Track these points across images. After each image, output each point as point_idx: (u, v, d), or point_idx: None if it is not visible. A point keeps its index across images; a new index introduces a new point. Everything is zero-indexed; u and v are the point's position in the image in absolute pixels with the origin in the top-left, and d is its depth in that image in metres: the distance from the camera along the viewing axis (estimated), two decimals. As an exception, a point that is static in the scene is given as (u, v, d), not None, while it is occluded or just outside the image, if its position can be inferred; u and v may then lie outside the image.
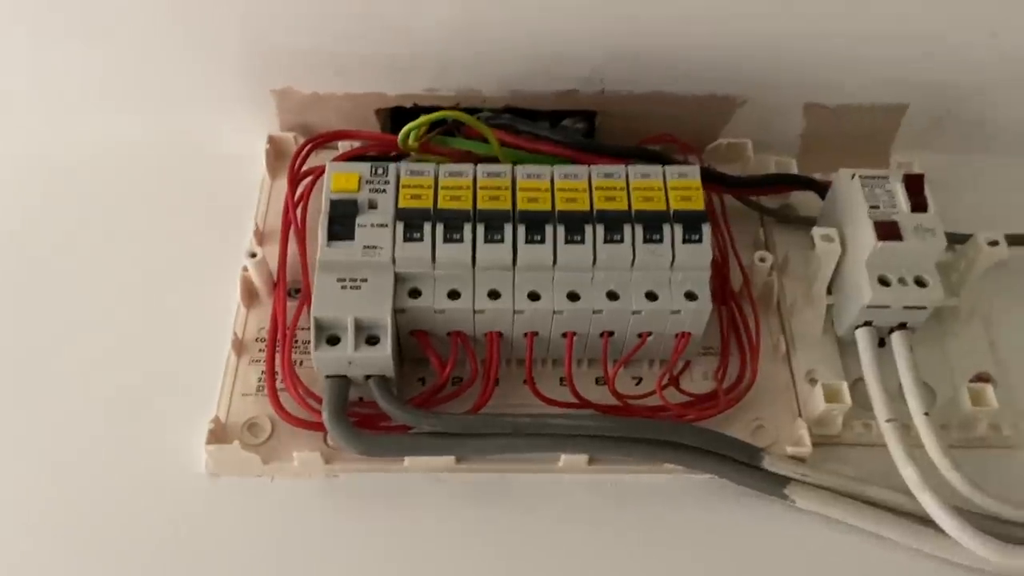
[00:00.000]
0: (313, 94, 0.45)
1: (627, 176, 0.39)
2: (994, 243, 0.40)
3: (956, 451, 0.37)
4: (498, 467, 0.38)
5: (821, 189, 0.44)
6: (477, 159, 0.41)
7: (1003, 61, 0.44)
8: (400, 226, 0.37)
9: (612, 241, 0.37)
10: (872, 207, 0.38)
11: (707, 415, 0.38)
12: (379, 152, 0.44)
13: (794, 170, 0.46)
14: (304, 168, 0.43)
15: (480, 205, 0.37)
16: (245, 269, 0.41)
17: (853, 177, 0.39)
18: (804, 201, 0.46)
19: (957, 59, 0.44)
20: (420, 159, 0.42)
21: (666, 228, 0.37)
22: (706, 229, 0.37)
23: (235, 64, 0.44)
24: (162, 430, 0.38)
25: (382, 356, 0.35)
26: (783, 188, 0.45)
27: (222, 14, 0.42)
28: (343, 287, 0.36)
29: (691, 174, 0.39)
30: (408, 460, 0.37)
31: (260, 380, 0.40)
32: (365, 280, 0.36)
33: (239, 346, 0.40)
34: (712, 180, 0.44)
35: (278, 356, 0.39)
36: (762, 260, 0.41)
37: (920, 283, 0.38)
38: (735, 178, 0.44)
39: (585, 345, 0.39)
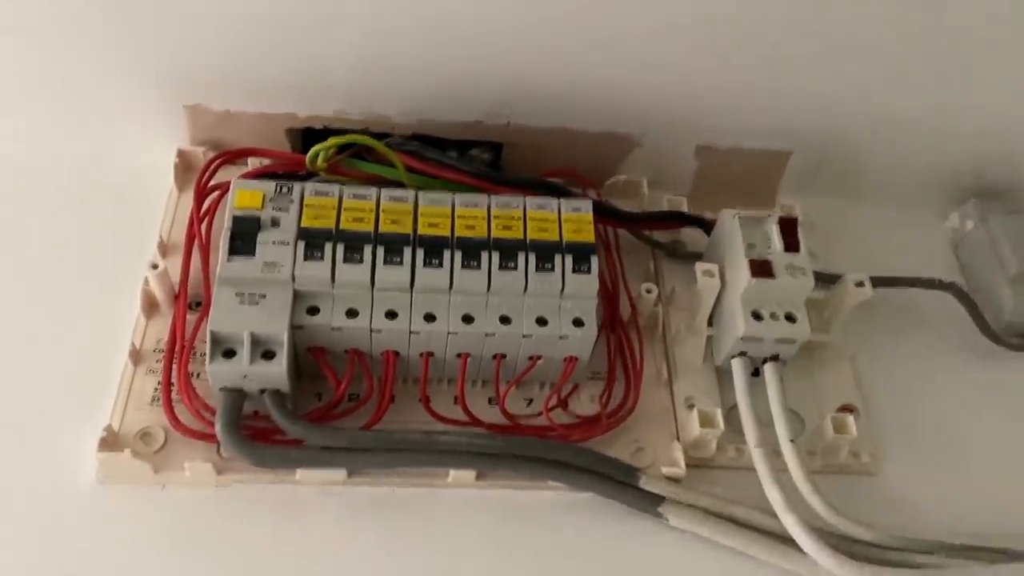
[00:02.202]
0: (225, 112, 0.46)
1: (524, 207, 0.41)
2: (860, 284, 0.43)
3: (819, 476, 0.40)
4: (389, 481, 0.39)
5: (708, 227, 0.46)
6: (384, 183, 0.43)
7: (872, 118, 0.48)
8: (301, 245, 0.38)
9: (506, 268, 0.39)
10: (749, 245, 0.41)
11: (590, 436, 0.40)
12: (288, 171, 0.44)
13: (684, 208, 0.49)
14: (212, 183, 0.44)
15: (382, 228, 0.39)
16: (146, 280, 0.41)
17: (734, 217, 0.42)
18: (693, 237, 0.48)
19: (833, 113, 0.48)
20: (328, 180, 0.44)
21: (557, 258, 0.39)
22: (594, 260, 0.39)
23: (148, 79, 0.44)
24: (55, 437, 0.38)
25: (277, 371, 0.36)
26: (673, 224, 0.48)
27: (138, 31, 0.42)
28: (241, 302, 0.37)
29: (584, 208, 0.41)
30: (300, 473, 0.38)
31: (156, 391, 0.40)
32: (264, 296, 0.37)
33: (136, 356, 0.41)
34: (607, 215, 0.46)
35: (175, 367, 0.39)
36: (648, 291, 0.44)
37: (790, 318, 0.41)
38: (629, 213, 0.47)
39: (479, 366, 0.41)
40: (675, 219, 0.48)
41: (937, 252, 0.52)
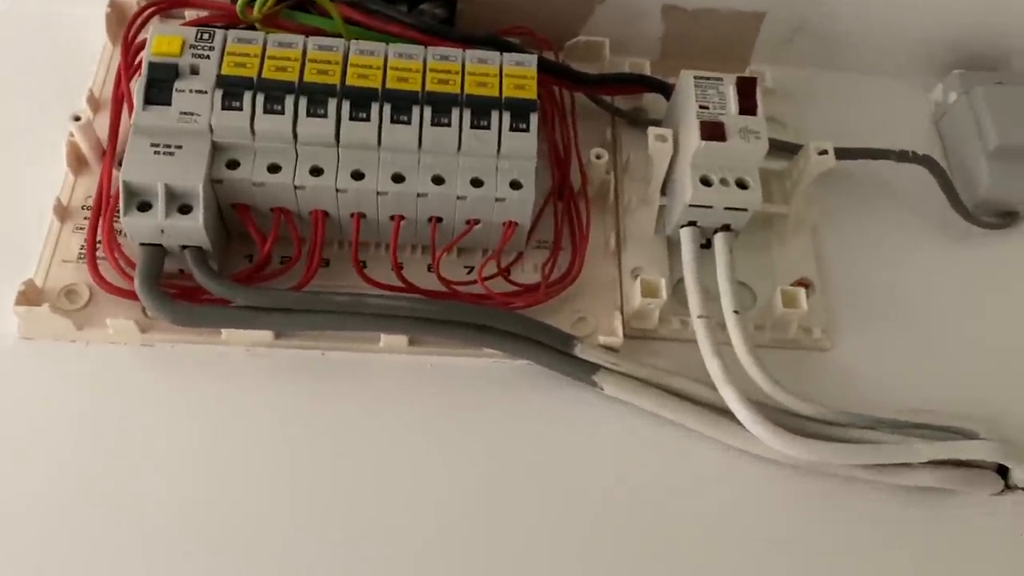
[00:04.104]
0: (158, -42, 0.43)
1: (463, 60, 0.38)
2: (823, 152, 0.41)
3: (768, 351, 0.39)
4: (318, 344, 0.38)
5: (669, 92, 0.44)
6: (325, 36, 0.40)
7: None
8: (219, 93, 0.36)
9: (439, 124, 0.37)
10: (702, 107, 0.39)
11: (528, 304, 0.39)
12: (225, 23, 0.42)
13: (647, 71, 0.46)
14: (143, 36, 0.41)
15: (307, 78, 0.37)
16: (71, 135, 0.40)
17: (691, 77, 0.40)
18: (656, 105, 0.46)
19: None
20: (264, 32, 0.41)
21: (494, 115, 0.37)
22: (534, 118, 0.37)
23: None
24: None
25: (195, 226, 0.35)
26: (633, 89, 0.45)
27: None
28: (156, 152, 0.35)
29: (527, 63, 0.39)
30: (225, 333, 0.37)
31: (82, 249, 0.39)
32: (180, 147, 0.35)
33: (62, 212, 0.40)
34: (563, 75, 0.44)
35: (100, 223, 0.38)
36: (599, 157, 0.42)
37: (741, 185, 0.39)
38: (585, 75, 0.44)
39: (415, 230, 0.39)
40: (635, 82, 0.45)
41: (918, 126, 0.49)
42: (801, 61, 0.49)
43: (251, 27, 0.41)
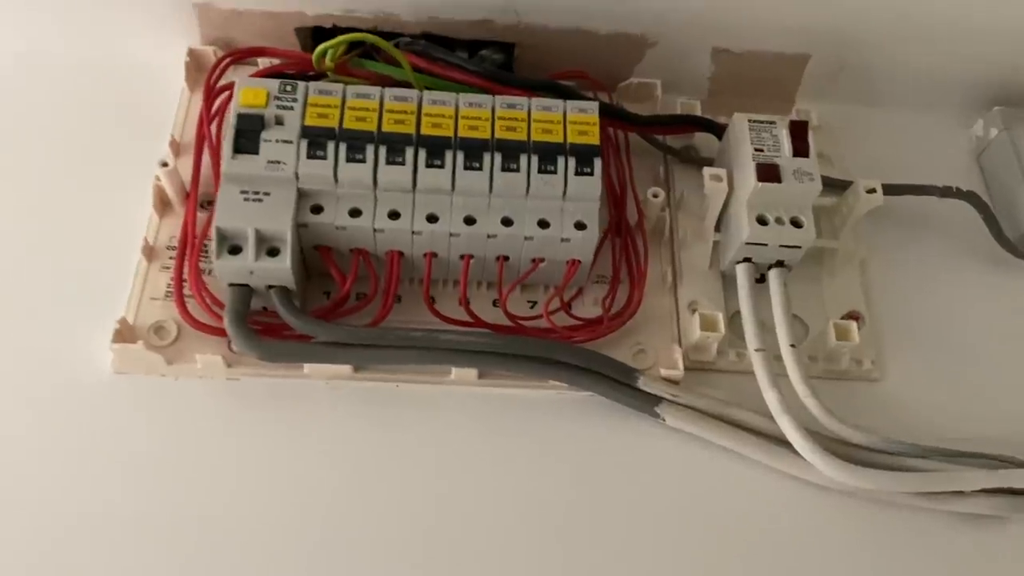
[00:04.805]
0: (233, 10, 0.46)
1: (529, 108, 0.40)
2: (871, 191, 0.42)
3: (820, 382, 0.41)
4: (393, 377, 0.40)
5: (721, 132, 0.46)
6: (392, 83, 0.42)
7: (894, 19, 0.46)
8: (304, 143, 0.38)
9: (509, 170, 0.39)
10: (757, 150, 0.41)
11: (591, 338, 0.41)
12: (297, 71, 0.45)
13: (698, 112, 0.48)
14: (221, 83, 0.44)
15: (385, 128, 0.39)
16: (157, 178, 0.42)
17: (745, 121, 0.42)
18: (706, 143, 0.48)
19: (853, 12, 0.46)
20: (335, 80, 0.44)
21: (560, 160, 0.39)
22: (598, 163, 0.39)
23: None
24: (72, 330, 0.40)
25: (282, 268, 0.37)
26: (685, 129, 0.47)
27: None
28: (246, 199, 0.37)
29: (590, 109, 0.40)
30: (307, 367, 0.40)
31: (169, 286, 0.41)
32: (268, 194, 0.37)
33: (150, 252, 0.42)
34: (618, 117, 0.46)
35: (186, 264, 0.40)
36: (655, 196, 0.44)
37: (796, 224, 0.41)
38: (639, 116, 0.46)
39: (483, 267, 0.41)
40: (687, 123, 0.47)
41: (959, 161, 0.51)
42: (845, 98, 0.51)
43: (323, 74, 0.44)
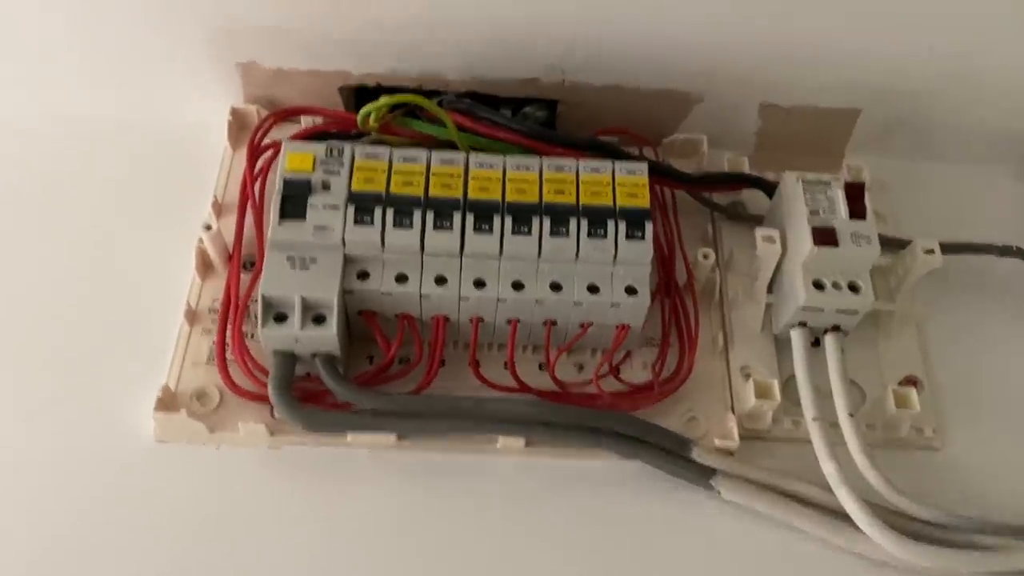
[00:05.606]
0: (277, 69, 0.45)
1: (577, 170, 0.39)
2: (930, 251, 0.41)
3: (880, 450, 0.39)
4: (438, 446, 0.39)
5: (769, 188, 0.45)
6: (436, 142, 0.42)
7: (943, 73, 0.45)
8: (351, 209, 0.37)
9: (558, 234, 0.38)
10: (812, 212, 0.40)
11: (641, 406, 0.40)
12: (340, 130, 0.44)
13: (746, 168, 0.47)
14: (265, 142, 0.44)
15: (432, 192, 0.38)
16: (200, 241, 0.41)
17: (797, 181, 0.41)
18: (754, 198, 0.47)
19: (904, 68, 0.45)
20: (379, 139, 0.43)
21: (610, 224, 0.38)
22: (649, 227, 0.38)
23: (201, 37, 0.44)
24: (114, 396, 0.39)
25: (328, 335, 0.36)
26: (734, 186, 0.46)
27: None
28: (292, 266, 0.37)
29: (639, 171, 0.40)
30: (351, 435, 0.39)
31: (211, 350, 0.40)
32: (315, 260, 0.37)
33: (192, 316, 0.41)
34: (665, 175, 0.45)
35: (229, 328, 0.40)
36: (705, 257, 0.43)
37: (853, 288, 0.39)
38: (687, 175, 0.45)
39: (529, 331, 0.40)
40: (736, 181, 0.46)
41: (1015, 215, 0.49)
42: (896, 152, 0.50)
43: (366, 133, 0.43)
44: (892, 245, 0.43)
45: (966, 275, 0.46)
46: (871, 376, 0.43)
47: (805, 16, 0.43)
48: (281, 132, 0.44)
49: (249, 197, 0.42)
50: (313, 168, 0.38)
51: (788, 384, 0.41)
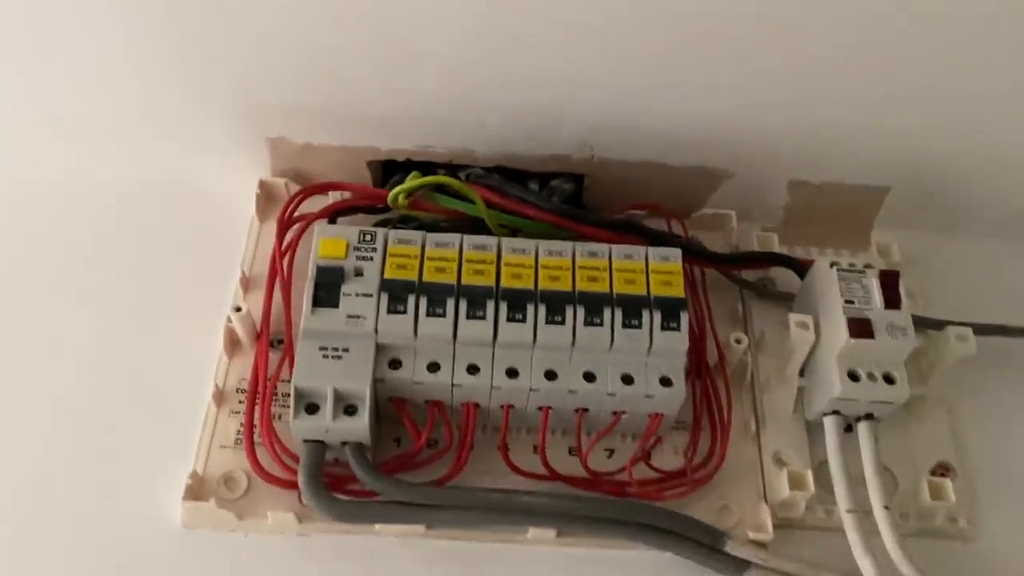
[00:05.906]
0: (306, 144, 0.45)
1: (610, 256, 0.39)
2: (963, 339, 0.41)
3: (913, 540, 0.39)
4: (468, 535, 0.39)
5: (800, 268, 0.44)
6: (465, 218, 0.42)
7: (987, 156, 0.45)
8: (385, 297, 0.37)
9: (592, 324, 0.38)
10: (847, 302, 0.39)
11: (674, 496, 0.39)
12: (368, 204, 0.44)
13: (776, 245, 0.47)
14: (294, 215, 0.43)
15: (465, 279, 0.38)
16: (228, 320, 0.41)
17: (832, 268, 0.40)
18: (783, 275, 0.46)
19: (941, 150, 0.45)
20: (408, 216, 0.43)
21: (645, 314, 0.38)
22: (684, 317, 0.38)
23: (229, 113, 0.44)
24: (139, 479, 0.39)
25: (359, 426, 0.36)
26: (764, 265, 0.46)
27: (218, 66, 0.42)
28: (325, 356, 0.36)
29: (673, 258, 0.39)
30: (379, 525, 0.38)
31: (239, 432, 0.40)
32: (347, 350, 0.37)
33: (220, 397, 0.41)
34: (695, 254, 0.45)
35: (257, 409, 0.39)
36: (738, 342, 0.42)
37: (888, 379, 0.39)
38: (719, 254, 0.45)
39: (560, 417, 0.40)
40: (766, 260, 0.46)
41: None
42: (925, 227, 0.49)
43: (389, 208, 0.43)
44: (924, 325, 0.43)
45: (1000, 356, 0.45)
46: (903, 460, 0.42)
47: (835, 100, 0.43)
48: (309, 204, 0.44)
49: (278, 272, 0.42)
50: (346, 255, 0.38)
51: (820, 469, 0.41)
